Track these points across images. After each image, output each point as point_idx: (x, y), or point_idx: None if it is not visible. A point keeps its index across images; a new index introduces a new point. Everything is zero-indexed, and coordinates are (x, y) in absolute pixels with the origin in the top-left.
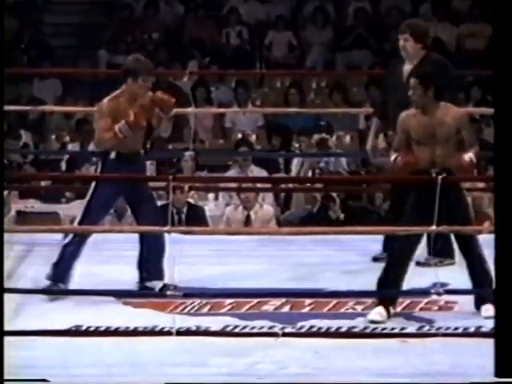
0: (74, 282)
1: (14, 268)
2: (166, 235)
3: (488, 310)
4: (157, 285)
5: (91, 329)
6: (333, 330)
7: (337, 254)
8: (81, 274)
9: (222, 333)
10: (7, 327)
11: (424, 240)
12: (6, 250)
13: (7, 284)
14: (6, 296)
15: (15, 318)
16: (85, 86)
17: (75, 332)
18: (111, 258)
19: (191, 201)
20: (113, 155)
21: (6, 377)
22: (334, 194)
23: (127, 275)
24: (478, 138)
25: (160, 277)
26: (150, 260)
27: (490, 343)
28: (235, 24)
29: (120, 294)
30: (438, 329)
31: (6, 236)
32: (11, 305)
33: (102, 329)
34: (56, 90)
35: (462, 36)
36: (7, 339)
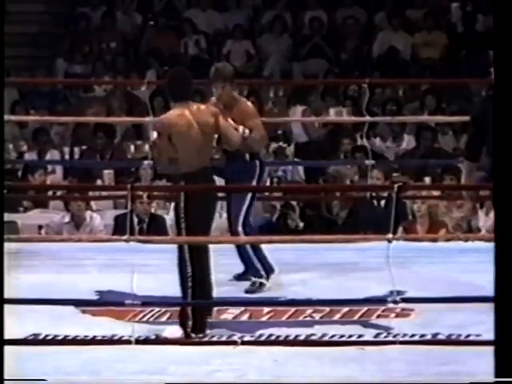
0: (31, 291)
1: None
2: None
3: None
4: None
5: (49, 337)
6: (291, 338)
7: (296, 262)
8: (39, 283)
9: (180, 341)
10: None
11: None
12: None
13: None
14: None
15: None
16: (42, 95)
17: (33, 341)
18: (69, 267)
19: (153, 211)
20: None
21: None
22: (294, 203)
23: (85, 284)
24: (433, 146)
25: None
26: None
27: (448, 350)
28: (193, 33)
29: (78, 303)
30: (395, 336)
31: None
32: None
33: (60, 337)
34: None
35: (416, 45)
36: None
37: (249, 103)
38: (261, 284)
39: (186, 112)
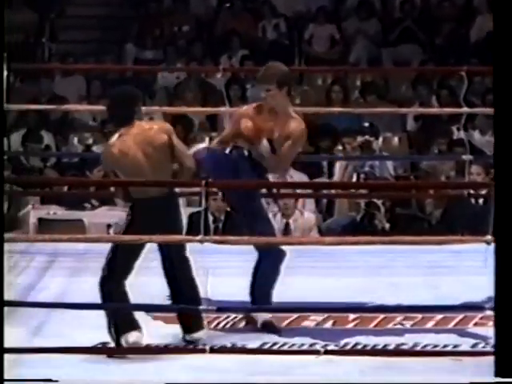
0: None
1: (35, 280)
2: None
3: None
4: None
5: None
6: (379, 347)
7: (383, 265)
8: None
9: (259, 350)
10: (29, 344)
11: None
12: (26, 261)
13: (29, 298)
14: (30, 311)
15: (37, 334)
16: (110, 83)
17: (101, 349)
18: (139, 268)
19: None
20: None
21: None
22: (379, 202)
23: (156, 288)
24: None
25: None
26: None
27: None
28: (272, 16)
29: (150, 309)
30: None
31: (27, 246)
32: (33, 321)
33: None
34: (79, 88)
35: None
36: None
37: (303, 125)
38: None
39: (126, 138)
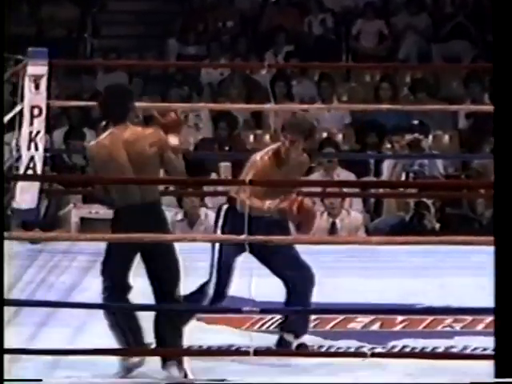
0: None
1: (77, 281)
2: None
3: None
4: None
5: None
6: (428, 350)
7: (433, 265)
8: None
9: (303, 353)
10: (69, 345)
11: None
12: (68, 261)
13: (70, 298)
14: (69, 312)
15: (79, 334)
16: (153, 79)
17: (142, 351)
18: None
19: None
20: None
21: None
22: (429, 201)
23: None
24: None
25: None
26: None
27: None
28: (319, 11)
29: (193, 310)
30: None
31: (68, 245)
32: (75, 321)
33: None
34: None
35: None
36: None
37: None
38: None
39: (114, 138)
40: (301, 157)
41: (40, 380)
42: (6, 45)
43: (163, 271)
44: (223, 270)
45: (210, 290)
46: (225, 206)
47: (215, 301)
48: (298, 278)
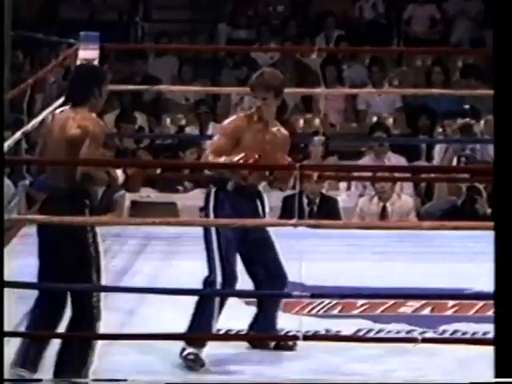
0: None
1: (128, 264)
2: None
3: None
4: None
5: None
6: (479, 335)
7: (484, 251)
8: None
9: (354, 338)
10: (124, 330)
11: None
12: (119, 245)
13: (121, 282)
14: (124, 296)
15: (131, 319)
16: (203, 63)
17: (194, 336)
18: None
19: (324, 191)
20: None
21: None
22: (481, 186)
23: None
24: None
25: None
26: None
27: None
28: None
29: (242, 294)
30: None
31: (120, 229)
32: (126, 306)
33: (223, 331)
34: (172, 68)
35: None
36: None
37: (287, 133)
38: None
39: (49, 120)
40: (282, 131)
41: (40, 380)
42: (5, 45)
43: None
44: (227, 257)
45: (218, 278)
46: (213, 189)
47: (226, 284)
48: (269, 283)
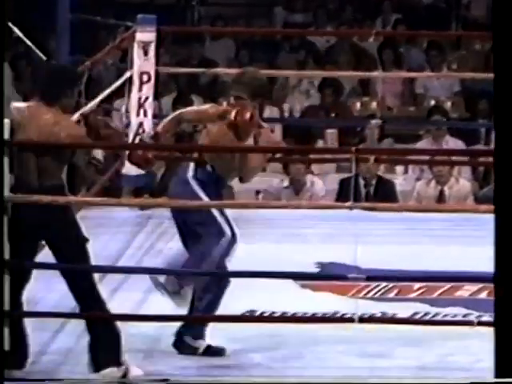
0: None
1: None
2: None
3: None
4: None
5: (266, 314)
6: None
7: None
8: (257, 254)
9: (410, 320)
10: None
11: None
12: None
13: (177, 266)
14: None
15: None
16: (260, 46)
17: (248, 318)
18: (287, 236)
19: (380, 173)
20: None
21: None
22: None
23: (305, 255)
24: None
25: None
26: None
27: None
28: None
29: (298, 276)
30: None
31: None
32: None
33: (278, 314)
34: (229, 51)
35: None
36: None
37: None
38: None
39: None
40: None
41: (41, 380)
42: (5, 45)
43: None
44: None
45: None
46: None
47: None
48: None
